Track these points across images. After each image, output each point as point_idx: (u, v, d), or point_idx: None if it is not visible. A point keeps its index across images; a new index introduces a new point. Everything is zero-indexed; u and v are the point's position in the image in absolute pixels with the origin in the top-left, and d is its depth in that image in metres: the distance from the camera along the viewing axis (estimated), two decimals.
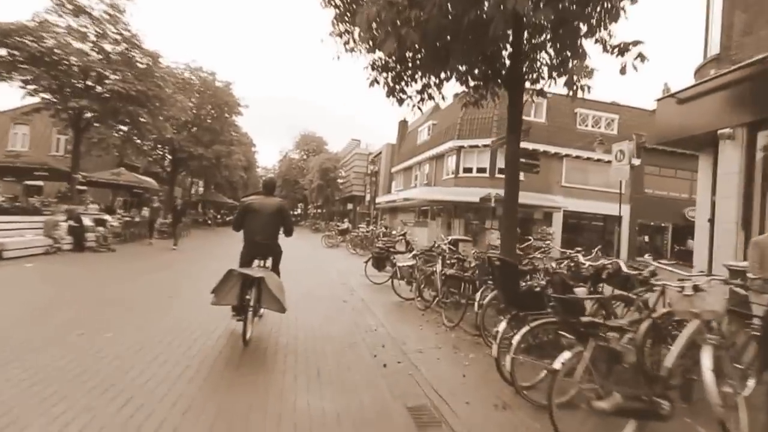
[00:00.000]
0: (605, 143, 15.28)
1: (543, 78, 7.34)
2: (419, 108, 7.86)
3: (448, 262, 7.47)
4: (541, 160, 22.40)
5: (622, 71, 5.59)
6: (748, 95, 7.03)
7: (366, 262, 9.82)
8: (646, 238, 24.94)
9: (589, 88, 6.86)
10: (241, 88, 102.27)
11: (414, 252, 9.22)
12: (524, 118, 26.19)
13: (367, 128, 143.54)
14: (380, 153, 40.71)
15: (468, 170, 23.08)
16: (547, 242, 22.08)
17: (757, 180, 7.01)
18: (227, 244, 16.18)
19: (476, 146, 22.39)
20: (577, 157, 22.95)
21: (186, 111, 23.43)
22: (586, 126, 23.50)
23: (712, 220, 8.67)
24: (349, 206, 48.38)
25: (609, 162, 23.85)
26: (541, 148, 22.06)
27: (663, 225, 24.97)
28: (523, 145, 7.58)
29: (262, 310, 5.28)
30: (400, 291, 8.28)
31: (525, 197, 21.83)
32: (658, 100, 8.99)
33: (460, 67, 6.44)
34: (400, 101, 7.48)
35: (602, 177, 23.62)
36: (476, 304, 5.42)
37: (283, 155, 63.09)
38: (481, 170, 22.63)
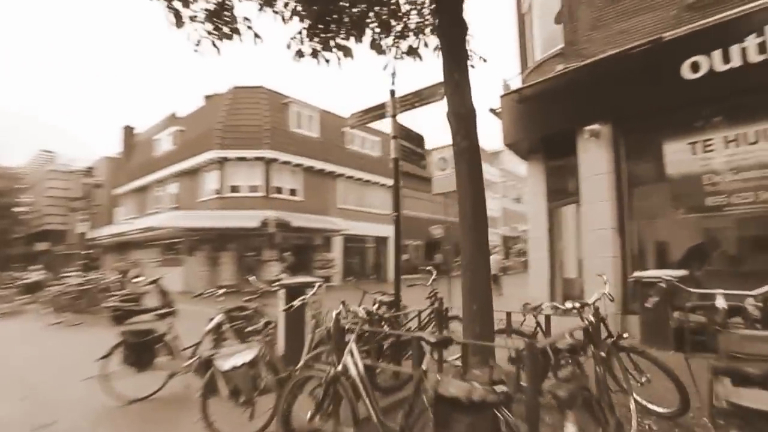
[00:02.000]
0: None
1: None
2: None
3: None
4: (318, 180, 20.61)
5: None
6: (608, 91, 6.59)
7: (109, 354, 4.38)
8: (406, 256, 26.78)
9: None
10: None
11: (219, 318, 4.86)
12: (295, 130, 22.96)
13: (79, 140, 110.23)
14: (92, 169, 29.69)
15: (235, 189, 18.54)
16: (330, 270, 20.18)
17: (625, 181, 6.58)
18: None
19: (245, 159, 18.24)
20: (350, 177, 22.26)
21: None
22: (354, 146, 23.28)
23: (551, 229, 8.21)
24: (41, 245, 33.39)
25: (378, 183, 24.87)
26: (317, 165, 20.12)
27: (417, 243, 27.51)
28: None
29: None
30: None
31: (306, 220, 19.32)
32: (502, 96, 8.04)
33: None
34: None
35: (374, 198, 23.87)
36: None
37: None
38: (253, 189, 18.54)
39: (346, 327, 3.14)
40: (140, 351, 4.26)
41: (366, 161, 23.29)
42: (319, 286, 4.48)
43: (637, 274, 4.96)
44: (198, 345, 4.64)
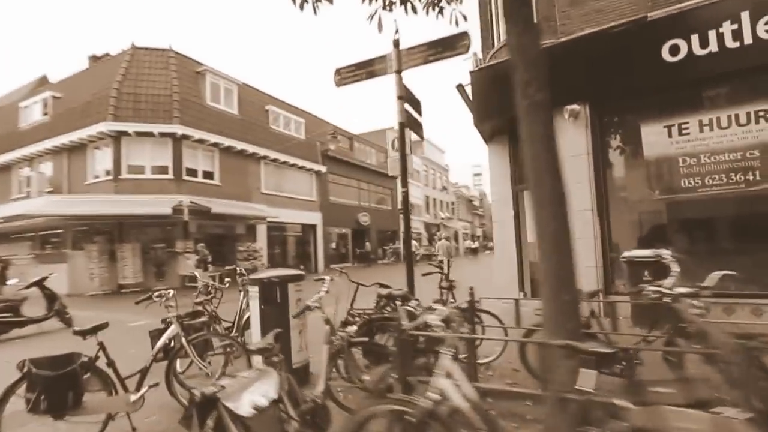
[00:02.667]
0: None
1: None
2: None
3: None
4: (237, 162, 18.44)
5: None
6: (586, 71, 6.41)
7: (1, 400, 2.79)
8: (333, 245, 25.73)
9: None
10: None
11: (173, 330, 3.57)
12: (212, 105, 20.65)
13: None
14: None
15: (137, 169, 15.62)
16: (256, 261, 18.32)
17: (602, 162, 6.53)
18: None
19: (150, 134, 15.41)
20: (275, 159, 20.39)
21: None
22: (278, 126, 21.38)
23: (517, 213, 8.02)
24: None
25: (304, 168, 23.06)
26: (237, 145, 18.00)
27: (344, 231, 26.59)
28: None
29: None
30: None
31: (227, 206, 17.10)
32: (473, 72, 7.53)
33: None
34: None
35: (298, 184, 22.31)
36: None
37: None
38: (160, 170, 15.81)
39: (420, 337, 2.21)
40: (57, 389, 2.80)
41: (291, 143, 21.55)
42: (331, 281, 3.41)
43: (627, 253, 4.80)
44: (146, 370, 3.27)
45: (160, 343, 3.54)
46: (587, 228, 6.37)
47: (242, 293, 5.07)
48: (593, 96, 6.48)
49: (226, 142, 17.52)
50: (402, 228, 33.31)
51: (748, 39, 5.17)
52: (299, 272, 4.10)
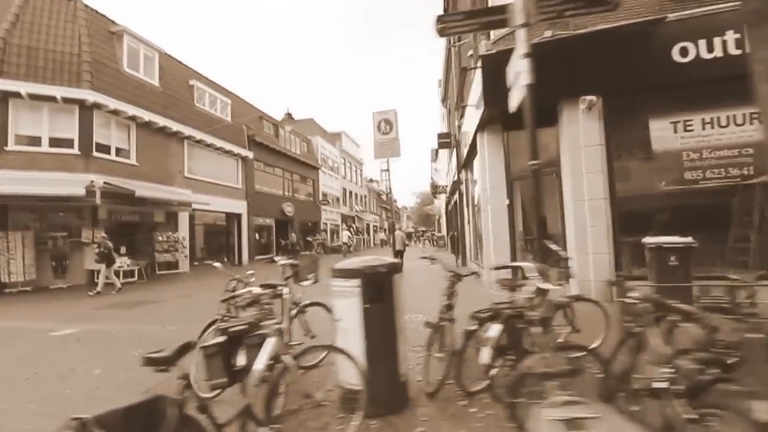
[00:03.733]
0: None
1: None
2: None
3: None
4: (157, 140, 16.18)
5: None
6: (600, 64, 6.85)
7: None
8: (257, 236, 24.17)
9: None
10: None
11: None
12: (129, 72, 18.69)
13: None
14: None
15: (31, 141, 12.70)
16: (178, 253, 16.36)
17: (612, 153, 7.10)
18: None
19: (51, 98, 12.63)
20: (200, 141, 18.35)
21: None
22: (203, 105, 19.28)
23: (512, 202, 8.47)
24: None
25: (231, 152, 20.85)
26: (158, 121, 15.82)
27: (268, 222, 25.15)
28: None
29: None
30: None
31: (150, 190, 14.86)
32: (483, 55, 7.65)
33: None
34: None
35: (224, 169, 20.51)
36: None
37: None
38: (62, 143, 13.07)
39: None
40: None
41: (218, 126, 19.60)
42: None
43: (651, 239, 5.04)
44: (248, 410, 2.32)
45: (262, 362, 2.49)
46: (599, 216, 6.89)
47: (287, 288, 3.73)
48: (605, 89, 6.91)
49: (146, 116, 15.23)
50: (322, 219, 32.66)
51: (748, 48, 6.15)
52: (396, 260, 3.78)
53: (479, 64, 7.93)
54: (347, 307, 3.17)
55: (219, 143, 19.50)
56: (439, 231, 50.59)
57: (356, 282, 3.15)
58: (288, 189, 27.65)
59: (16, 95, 12.24)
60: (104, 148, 13.96)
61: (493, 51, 7.60)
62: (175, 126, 16.62)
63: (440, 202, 37.77)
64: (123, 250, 13.85)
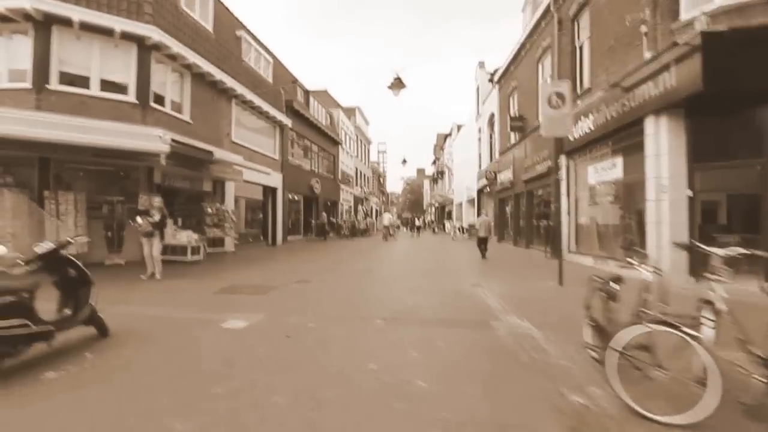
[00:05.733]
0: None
1: None
2: None
3: None
4: (207, 96, 13.98)
5: None
6: None
7: None
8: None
9: None
10: None
11: None
12: (188, 11, 16.12)
13: None
14: None
15: (78, 81, 10.39)
16: (228, 229, 14.38)
17: None
18: None
19: (106, 30, 10.30)
20: (246, 101, 16.17)
21: None
22: (249, 61, 16.99)
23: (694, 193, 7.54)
24: None
25: (274, 118, 18.47)
26: (212, 72, 13.66)
27: (297, 198, 23.17)
28: None
29: None
30: None
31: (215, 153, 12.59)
32: (707, 33, 6.54)
33: None
34: None
35: (263, 136, 18.44)
36: None
37: None
38: (114, 88, 10.80)
39: None
40: None
41: (260, 85, 17.41)
42: None
43: None
44: None
45: None
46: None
47: None
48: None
49: (204, 66, 13.01)
50: (340, 198, 30.78)
51: None
52: None
53: (696, 41, 6.75)
54: None
55: (265, 106, 17.36)
56: (432, 217, 49.71)
57: None
58: (315, 164, 25.64)
59: (65, 22, 9.85)
60: (159, 99, 11.75)
61: (722, 29, 6.54)
62: (228, 81, 14.43)
63: (448, 188, 36.64)
64: (180, 222, 11.85)
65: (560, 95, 7.85)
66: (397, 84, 10.75)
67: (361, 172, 39.61)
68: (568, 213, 12.49)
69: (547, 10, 13.39)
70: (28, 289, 3.51)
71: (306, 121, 23.00)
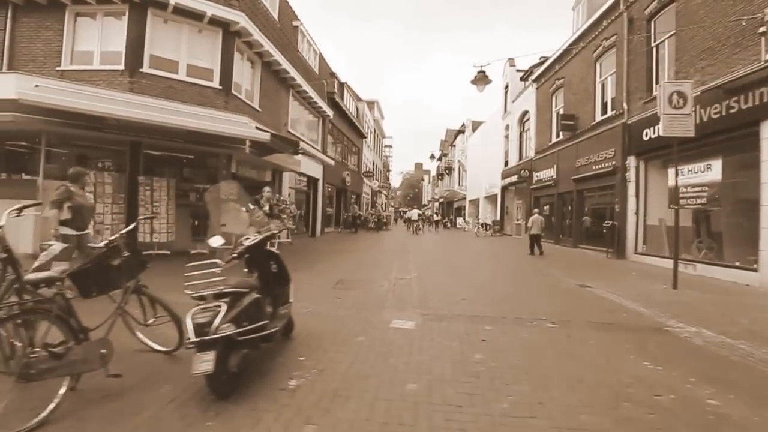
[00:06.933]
0: None
1: None
2: None
3: None
4: (272, 85, 13.93)
5: None
6: None
7: None
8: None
9: None
10: None
11: None
12: None
13: None
14: None
15: (168, 65, 10.29)
16: (286, 220, 14.37)
17: None
18: None
19: (197, 14, 10.20)
20: (300, 91, 16.12)
21: None
22: (303, 52, 16.93)
23: None
24: None
25: (320, 109, 18.35)
26: (283, 63, 13.63)
27: (330, 189, 23.18)
28: None
29: None
30: None
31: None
32: None
33: None
34: None
35: (310, 126, 18.40)
36: None
37: None
38: (198, 72, 10.70)
39: None
40: None
41: (310, 76, 17.36)
42: None
43: None
44: None
45: None
46: None
47: None
48: None
49: (275, 54, 12.96)
50: (363, 192, 30.86)
51: None
52: None
53: None
54: None
55: (315, 97, 17.33)
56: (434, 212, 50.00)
57: None
58: (345, 156, 25.66)
59: (161, 5, 9.74)
60: (237, 87, 11.69)
61: None
62: (291, 70, 14.38)
63: (451, 182, 36.97)
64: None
65: (682, 95, 7.95)
66: (482, 79, 10.87)
67: (376, 166, 39.69)
68: (636, 213, 12.63)
69: (611, 9, 13.60)
70: (256, 286, 3.35)
71: (341, 113, 23.00)
